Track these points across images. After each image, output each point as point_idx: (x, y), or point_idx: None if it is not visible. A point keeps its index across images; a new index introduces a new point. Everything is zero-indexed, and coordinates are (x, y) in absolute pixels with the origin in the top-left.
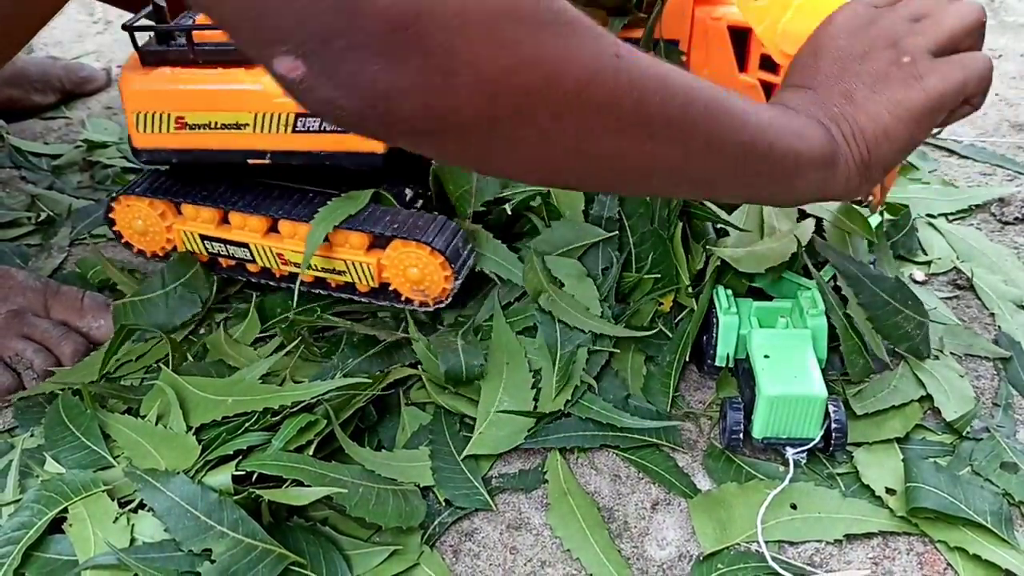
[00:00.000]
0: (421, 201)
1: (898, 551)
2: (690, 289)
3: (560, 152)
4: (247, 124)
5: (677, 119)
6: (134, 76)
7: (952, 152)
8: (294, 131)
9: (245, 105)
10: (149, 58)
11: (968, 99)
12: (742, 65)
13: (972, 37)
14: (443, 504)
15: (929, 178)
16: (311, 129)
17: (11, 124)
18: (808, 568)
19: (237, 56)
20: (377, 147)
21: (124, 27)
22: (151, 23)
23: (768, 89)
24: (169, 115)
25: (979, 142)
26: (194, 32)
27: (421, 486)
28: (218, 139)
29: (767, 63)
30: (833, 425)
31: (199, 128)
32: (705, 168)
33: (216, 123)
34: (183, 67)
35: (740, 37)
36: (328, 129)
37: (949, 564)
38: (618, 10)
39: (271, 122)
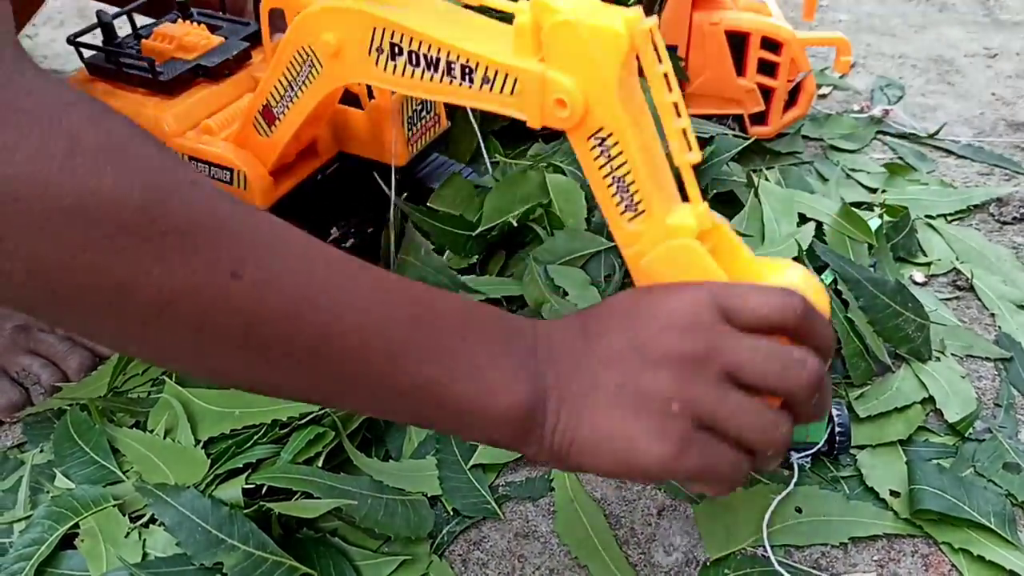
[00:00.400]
0: (352, 240)
1: (903, 553)
2: None
3: (154, 350)
4: None
5: (305, 355)
6: (75, 85)
7: (950, 152)
8: None
9: (160, 136)
10: (94, 72)
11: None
12: (740, 70)
13: (773, 446)
14: (451, 513)
15: (927, 179)
16: (200, 172)
17: None
18: (814, 572)
19: (160, 86)
20: (254, 202)
21: (69, 40)
22: (93, 42)
23: (766, 93)
24: None
25: (976, 142)
26: (145, 48)
27: (429, 496)
28: None
29: (765, 67)
30: (837, 428)
31: None
32: (351, 402)
33: None
34: (118, 84)
35: (738, 42)
36: (213, 175)
37: (954, 565)
38: None
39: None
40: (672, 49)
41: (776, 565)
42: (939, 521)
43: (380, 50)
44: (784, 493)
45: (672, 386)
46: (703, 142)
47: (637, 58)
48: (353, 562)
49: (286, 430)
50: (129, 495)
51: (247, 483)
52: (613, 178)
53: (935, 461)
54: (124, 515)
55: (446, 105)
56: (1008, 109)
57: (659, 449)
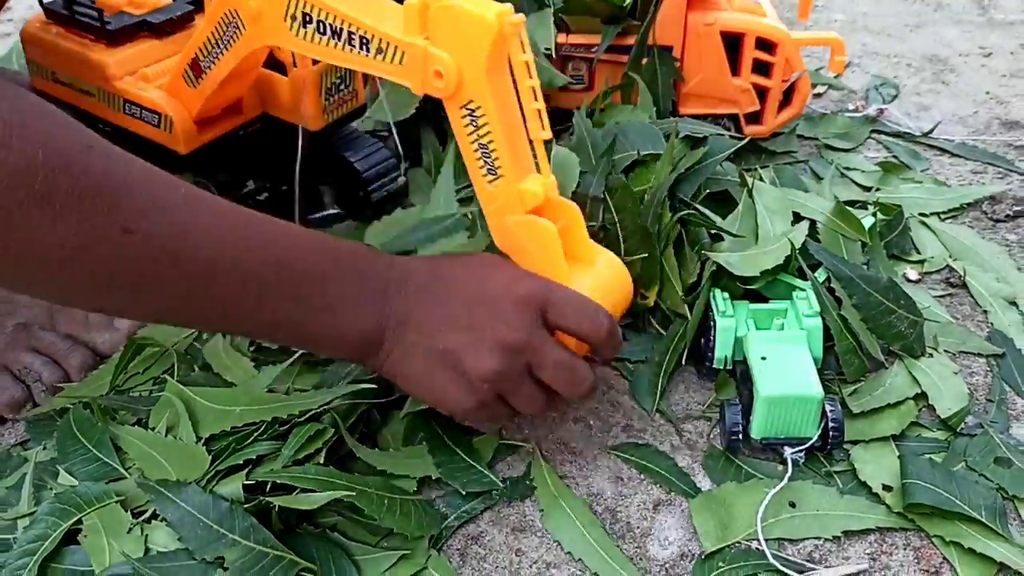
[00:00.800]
0: (266, 195)
1: (895, 546)
2: (683, 296)
3: (62, 296)
4: (94, 94)
5: (188, 295)
6: (33, 27)
7: (944, 151)
8: (124, 112)
9: (93, 77)
10: (50, 16)
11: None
12: (735, 70)
13: (537, 415)
14: (462, 494)
15: (921, 177)
16: (134, 114)
17: None
18: (807, 564)
19: (107, 35)
20: (177, 147)
21: None
22: None
23: (761, 93)
24: (47, 67)
25: (970, 141)
26: (99, 0)
27: (434, 478)
28: (78, 99)
29: (760, 67)
30: (830, 424)
31: (67, 85)
32: (230, 329)
33: (76, 85)
34: (70, 29)
35: (733, 42)
36: (144, 118)
37: (945, 558)
38: (612, 18)
39: (109, 99)
40: (668, 50)
41: (770, 558)
42: (931, 515)
43: (294, 17)
44: (778, 488)
45: (489, 371)
46: (697, 142)
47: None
48: (352, 556)
49: (286, 427)
50: (131, 492)
51: (248, 479)
52: (478, 144)
53: (927, 456)
54: (126, 511)
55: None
56: (1002, 108)
57: (464, 403)
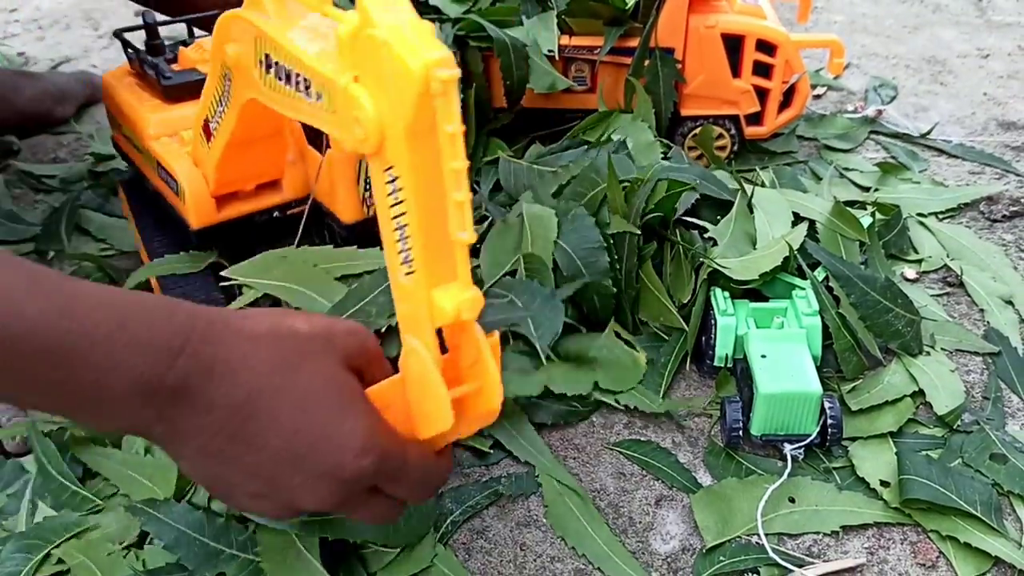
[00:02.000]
0: None
1: (892, 541)
2: (677, 310)
3: None
4: (143, 152)
5: None
6: (112, 76)
7: (941, 152)
8: (158, 175)
9: (139, 135)
10: (132, 65)
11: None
12: (736, 71)
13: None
14: (454, 507)
15: (919, 178)
16: (164, 179)
17: (25, 139)
18: (806, 558)
19: (163, 91)
20: (189, 218)
21: (115, 34)
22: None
23: (762, 94)
24: (116, 119)
25: (968, 141)
26: (181, 56)
27: None
28: (136, 156)
29: (761, 69)
30: (829, 421)
31: (129, 140)
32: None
33: (132, 141)
34: (141, 82)
35: (733, 44)
36: (169, 183)
37: (941, 552)
38: (614, 20)
39: (149, 159)
40: (670, 52)
41: (770, 552)
42: (927, 510)
43: (262, 62)
44: (778, 483)
45: (266, 514)
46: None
47: None
48: (358, 551)
49: None
50: (110, 523)
51: None
52: (397, 224)
53: (924, 452)
54: (109, 541)
55: None
56: (999, 109)
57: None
